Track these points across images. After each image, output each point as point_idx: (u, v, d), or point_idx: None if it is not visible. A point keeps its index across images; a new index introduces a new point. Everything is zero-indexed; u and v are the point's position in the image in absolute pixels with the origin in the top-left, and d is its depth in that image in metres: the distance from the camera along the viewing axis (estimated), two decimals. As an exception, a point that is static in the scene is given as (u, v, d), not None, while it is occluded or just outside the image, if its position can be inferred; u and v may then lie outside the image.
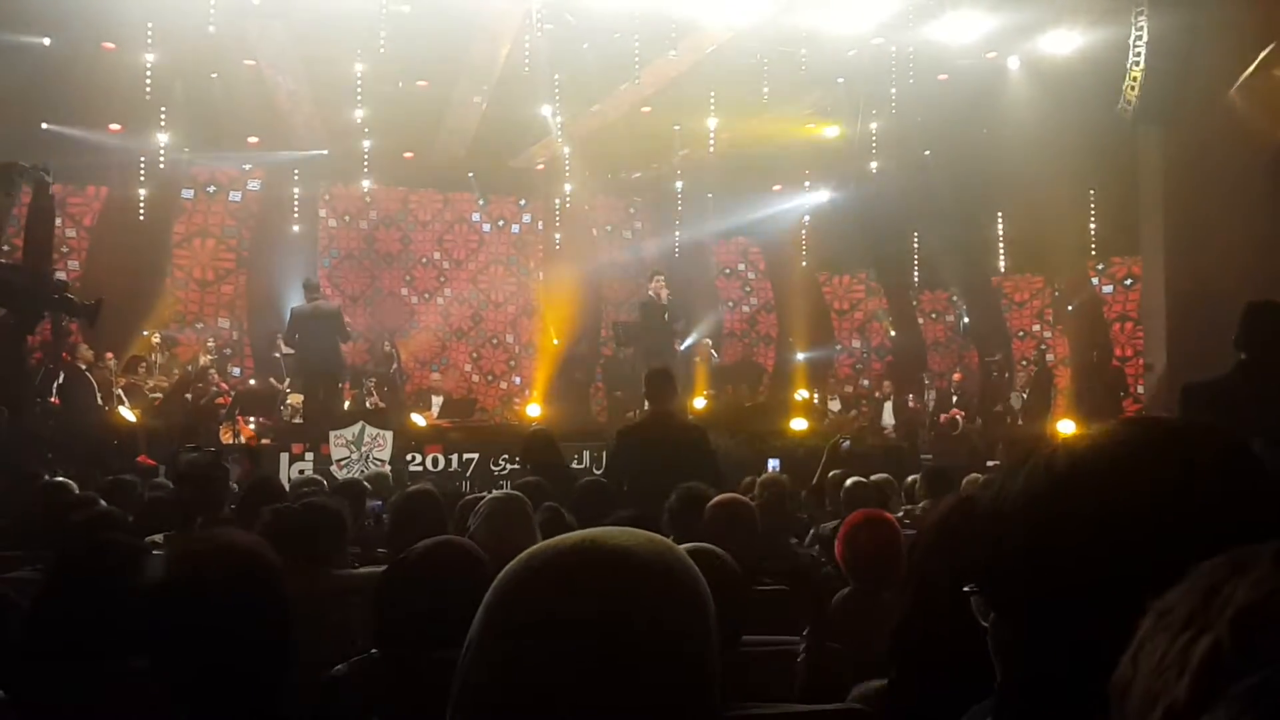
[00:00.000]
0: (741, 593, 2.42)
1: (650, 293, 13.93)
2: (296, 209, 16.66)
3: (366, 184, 16.73)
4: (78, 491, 5.58)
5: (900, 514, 6.21)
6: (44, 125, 13.75)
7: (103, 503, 4.81)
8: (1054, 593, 0.98)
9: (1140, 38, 12.05)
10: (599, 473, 8.09)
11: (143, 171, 15.04)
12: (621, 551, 0.96)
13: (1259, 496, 0.95)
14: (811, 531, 5.75)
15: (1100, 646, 0.93)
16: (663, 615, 0.93)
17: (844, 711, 2.58)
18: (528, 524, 3.95)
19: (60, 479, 5.73)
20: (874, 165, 16.22)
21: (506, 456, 11.05)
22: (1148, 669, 0.60)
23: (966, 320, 18.08)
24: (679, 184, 17.91)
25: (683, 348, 14.83)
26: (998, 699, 1.11)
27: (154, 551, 4.00)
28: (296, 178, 16.54)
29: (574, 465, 10.81)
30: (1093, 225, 15.69)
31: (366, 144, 15.51)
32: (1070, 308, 16.47)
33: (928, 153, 15.94)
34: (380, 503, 6.62)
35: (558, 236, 18.08)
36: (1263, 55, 11.01)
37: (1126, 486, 0.95)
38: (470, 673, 0.94)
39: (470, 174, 17.16)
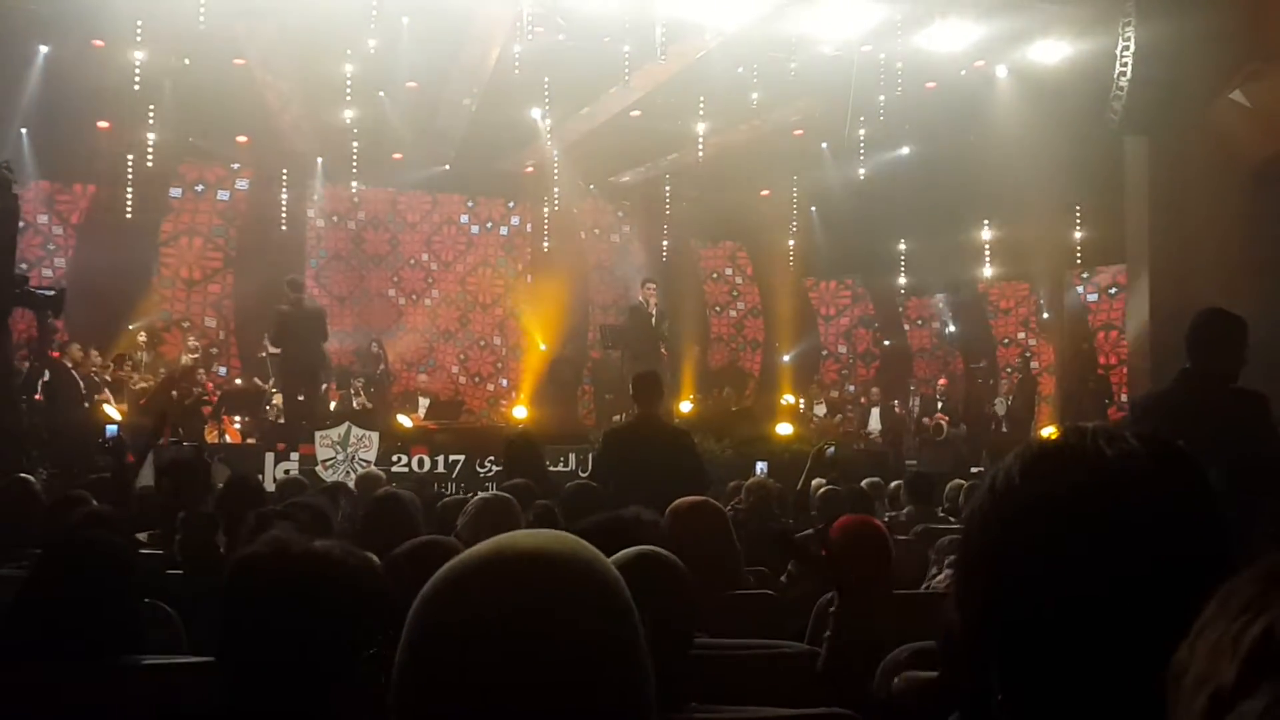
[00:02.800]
0: (690, 594, 2.44)
1: (640, 298, 14.00)
2: (284, 209, 16.61)
3: (355, 184, 16.69)
4: (39, 487, 5.55)
5: (885, 520, 6.24)
6: (22, 130, 13.75)
7: (94, 501, 4.80)
8: (983, 606, 1.00)
9: (1127, 48, 12.11)
10: (585, 475, 8.10)
11: (130, 169, 14.98)
12: (535, 553, 0.98)
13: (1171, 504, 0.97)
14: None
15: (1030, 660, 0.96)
16: (582, 613, 0.95)
17: (824, 715, 2.60)
18: (515, 525, 3.96)
19: (22, 475, 5.68)
20: (861, 172, 16.27)
21: (493, 458, 11.04)
22: (1203, 653, 0.60)
23: (952, 328, 18.15)
24: (667, 188, 17.94)
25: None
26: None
27: (141, 550, 4.01)
28: (285, 177, 16.50)
29: (560, 468, 10.83)
30: (1078, 234, 15.78)
31: (355, 144, 15.48)
32: (1046, 315, 16.58)
33: (906, 150, 15.97)
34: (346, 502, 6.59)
35: (546, 239, 18.08)
36: (1244, 73, 11.09)
37: (1035, 500, 0.98)
38: (402, 680, 0.96)
39: (446, 165, 16.96)
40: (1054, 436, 1.05)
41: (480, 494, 4.36)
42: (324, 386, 13.89)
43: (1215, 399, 4.11)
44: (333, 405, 14.15)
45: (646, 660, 0.98)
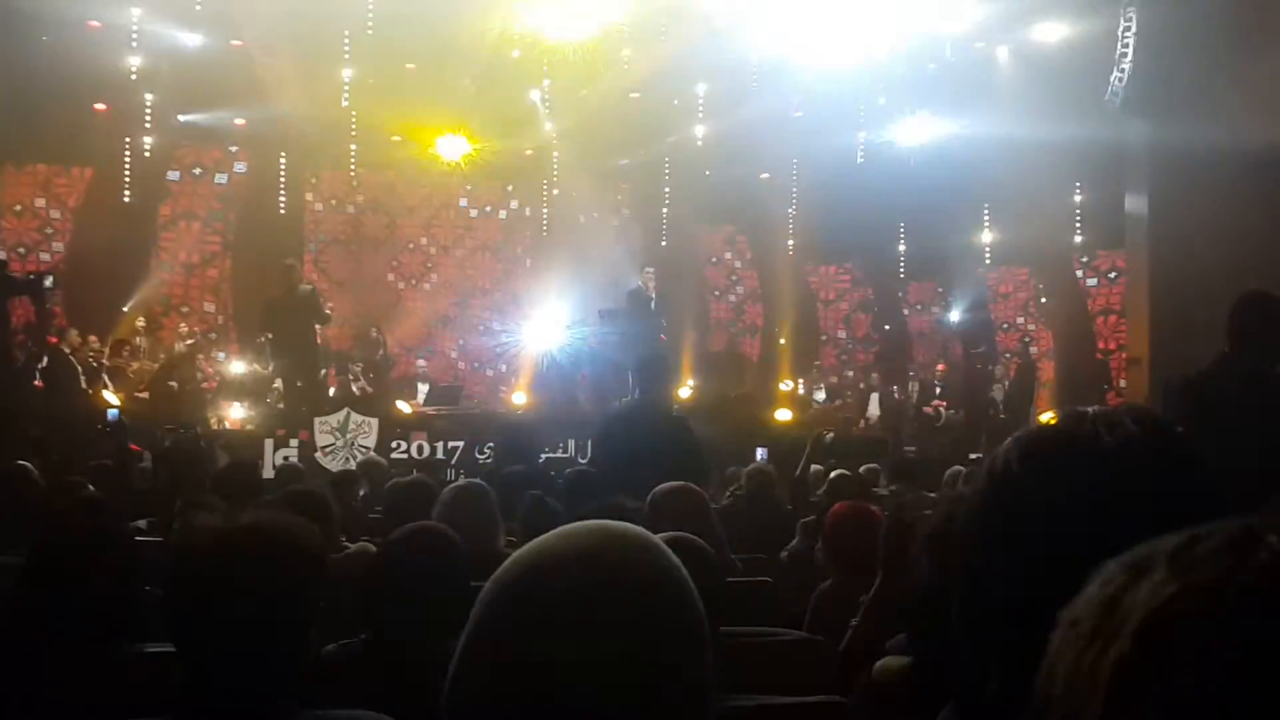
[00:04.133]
0: (719, 582, 2.45)
1: (639, 283, 14.02)
2: (283, 192, 16.57)
3: (353, 168, 16.64)
4: (36, 474, 5.54)
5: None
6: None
7: (90, 487, 4.80)
8: (985, 596, 1.00)
9: (1129, 29, 12.07)
10: (584, 461, 8.10)
11: (128, 152, 14.94)
12: (643, 546, 0.99)
13: (1169, 482, 0.97)
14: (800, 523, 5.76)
15: (1025, 652, 0.96)
16: (683, 609, 0.97)
17: (821, 704, 2.62)
18: (491, 516, 3.99)
19: (20, 462, 5.67)
20: (860, 155, 16.24)
21: (492, 445, 11.04)
22: (1062, 685, 0.60)
23: (963, 316, 18.05)
24: (666, 171, 17.90)
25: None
26: (957, 708, 1.13)
27: (139, 537, 4.01)
28: (283, 161, 16.46)
29: (559, 454, 10.85)
30: (1078, 218, 15.75)
31: (353, 127, 15.42)
32: (1044, 300, 16.57)
33: (905, 132, 15.96)
34: (365, 492, 6.61)
35: (545, 222, 18.05)
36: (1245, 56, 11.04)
37: (1037, 486, 0.98)
38: (477, 656, 0.94)
39: (444, 148, 16.91)
40: (1053, 422, 1.05)
41: (453, 483, 4.37)
42: (323, 371, 13.86)
43: (1256, 384, 4.04)
44: (331, 390, 14.13)
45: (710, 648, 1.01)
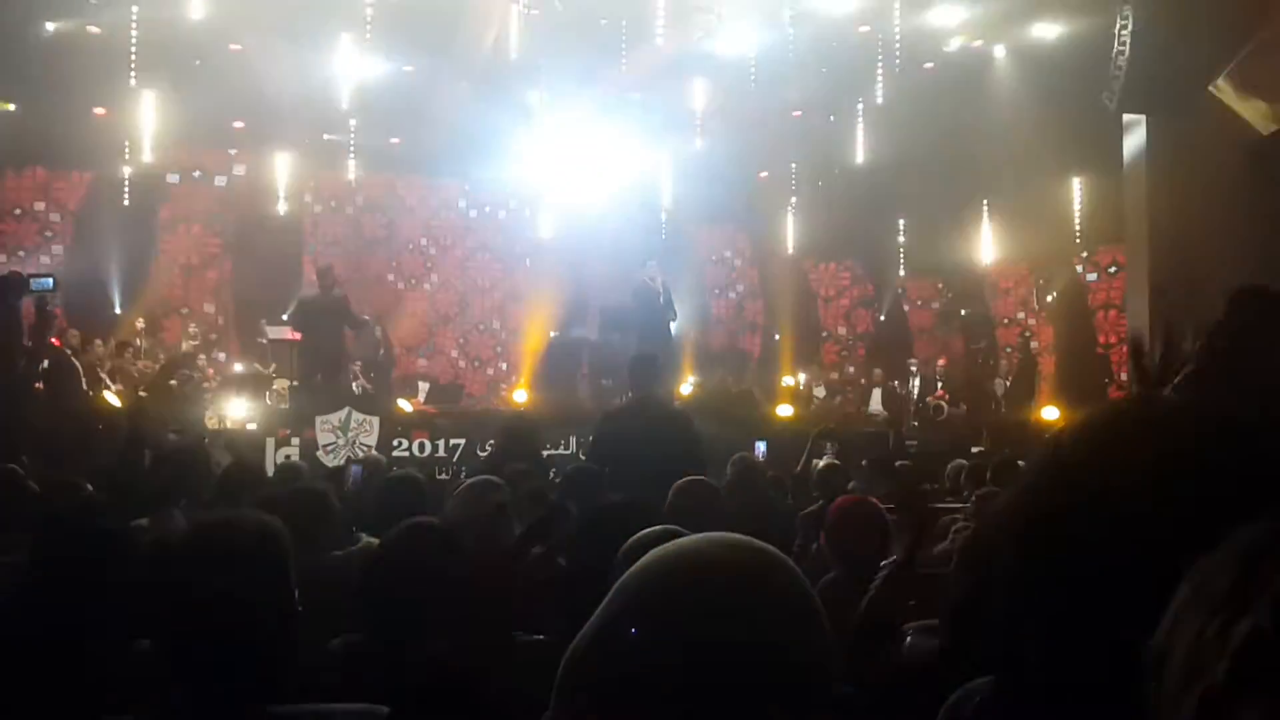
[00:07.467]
0: None
1: (646, 279, 14.00)
2: (282, 194, 16.57)
3: (352, 170, 16.63)
4: (24, 474, 5.53)
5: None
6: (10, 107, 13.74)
7: (89, 487, 4.80)
8: (1050, 579, 1.00)
9: (1126, 26, 12.06)
10: (585, 458, 8.10)
11: (127, 156, 14.95)
12: (780, 554, 1.08)
13: (1245, 471, 0.96)
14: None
15: (1099, 629, 0.96)
16: (816, 610, 1.07)
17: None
18: (503, 510, 4.00)
19: (10, 465, 5.67)
20: (860, 153, 16.24)
21: (493, 442, 11.04)
22: (1185, 642, 0.58)
23: (965, 311, 18.03)
24: (666, 170, 17.88)
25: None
26: (997, 682, 1.13)
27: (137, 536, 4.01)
28: (282, 163, 16.45)
29: (561, 451, 10.85)
30: (1077, 213, 15.74)
31: (352, 130, 15.41)
32: (1049, 299, 16.55)
33: (904, 131, 16.00)
34: (359, 467, 6.58)
35: (544, 222, 18.03)
36: (1250, 47, 11.03)
37: (1111, 469, 0.97)
38: (624, 637, 1.00)
39: (443, 150, 17.02)
40: (1117, 405, 1.05)
41: (472, 479, 4.39)
42: (338, 374, 13.81)
43: (1246, 373, 4.03)
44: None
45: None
